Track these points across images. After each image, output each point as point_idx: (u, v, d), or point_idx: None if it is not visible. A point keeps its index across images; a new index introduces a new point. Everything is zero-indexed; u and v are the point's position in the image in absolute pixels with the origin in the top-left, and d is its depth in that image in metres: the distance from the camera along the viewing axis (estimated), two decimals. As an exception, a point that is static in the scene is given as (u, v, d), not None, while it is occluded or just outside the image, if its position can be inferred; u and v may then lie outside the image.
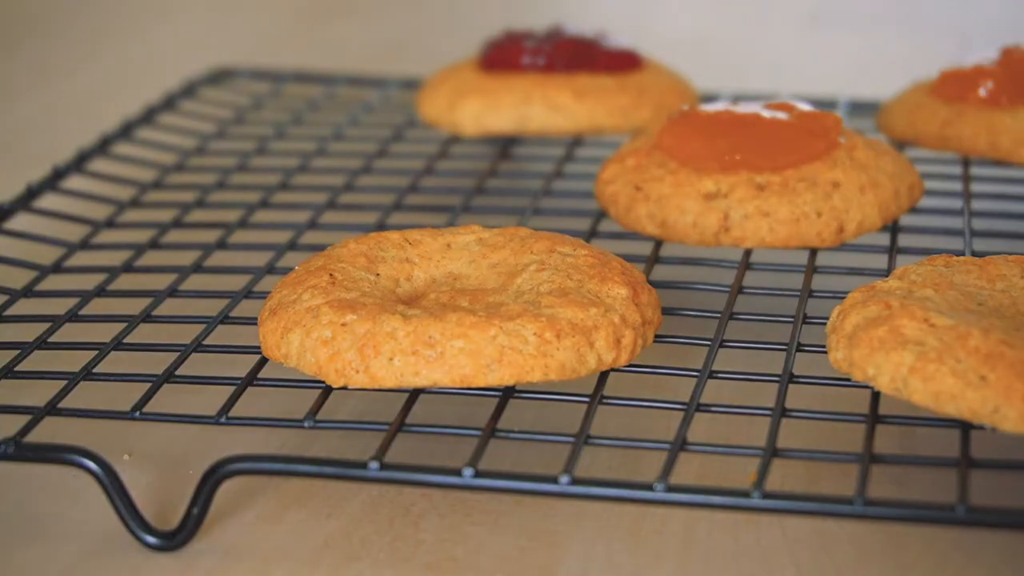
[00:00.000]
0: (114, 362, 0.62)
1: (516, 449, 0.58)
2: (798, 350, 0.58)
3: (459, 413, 0.61)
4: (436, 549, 0.53)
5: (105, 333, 0.63)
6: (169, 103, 0.92)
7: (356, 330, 0.54)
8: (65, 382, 0.58)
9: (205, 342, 0.60)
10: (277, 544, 0.54)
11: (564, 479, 0.50)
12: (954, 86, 0.78)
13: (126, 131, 0.86)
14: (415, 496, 0.56)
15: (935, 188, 0.75)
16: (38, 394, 0.58)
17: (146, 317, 0.63)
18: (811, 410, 0.55)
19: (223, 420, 0.54)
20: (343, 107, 0.94)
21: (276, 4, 1.40)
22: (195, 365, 0.60)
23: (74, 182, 0.81)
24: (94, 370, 0.59)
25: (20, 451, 0.53)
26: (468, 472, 0.50)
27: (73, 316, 0.64)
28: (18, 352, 0.60)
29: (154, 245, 0.72)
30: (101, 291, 0.66)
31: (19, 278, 0.68)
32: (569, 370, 0.54)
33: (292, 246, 0.71)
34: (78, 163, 0.80)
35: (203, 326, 0.62)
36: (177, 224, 0.74)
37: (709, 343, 0.58)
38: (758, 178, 0.67)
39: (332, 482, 0.56)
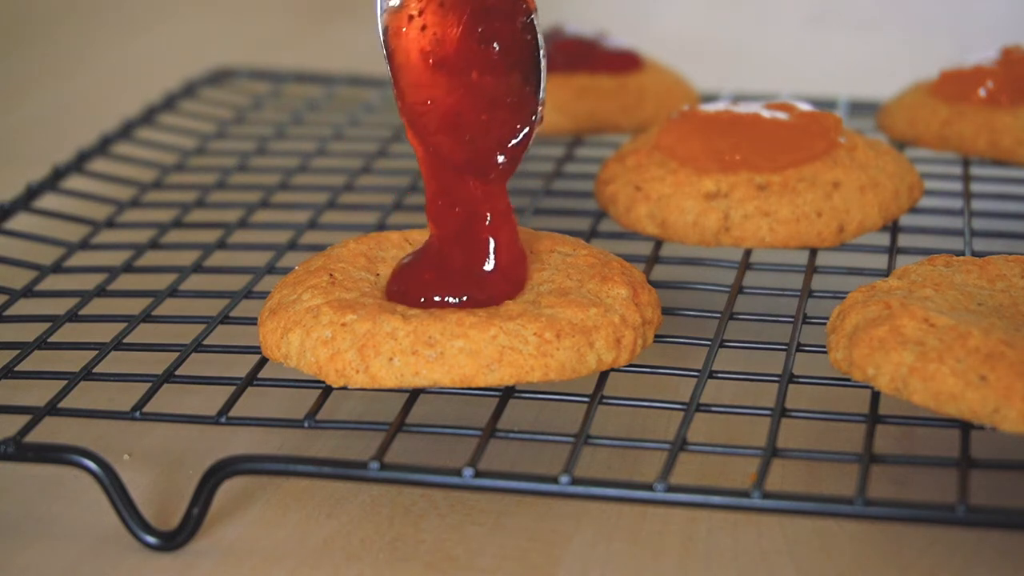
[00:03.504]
0: (114, 362, 0.62)
1: (516, 449, 0.58)
2: (798, 350, 0.58)
3: (459, 413, 0.61)
4: (436, 549, 0.53)
5: (105, 333, 0.63)
6: (169, 103, 0.92)
7: (356, 330, 0.54)
8: (65, 382, 0.58)
9: (205, 342, 0.60)
10: (277, 544, 0.54)
11: (564, 479, 0.50)
12: (954, 86, 0.78)
13: (126, 131, 0.86)
14: (415, 496, 0.56)
15: (935, 188, 0.75)
16: (38, 394, 0.58)
17: (146, 317, 0.63)
18: (811, 410, 0.55)
19: (223, 420, 0.54)
20: (343, 107, 0.94)
21: (276, 4, 1.40)
22: (195, 365, 0.60)
23: (74, 182, 0.81)
24: (94, 370, 0.59)
25: (20, 451, 0.53)
26: (468, 472, 0.50)
27: (73, 316, 0.64)
28: (18, 352, 0.60)
29: (154, 245, 0.72)
30: (101, 291, 0.66)
31: (19, 278, 0.68)
32: (569, 370, 0.54)
33: (292, 246, 0.71)
34: (78, 163, 0.80)
35: (203, 326, 0.62)
36: (177, 224, 0.74)
37: (709, 343, 0.58)
38: (758, 178, 0.67)
39: (332, 482, 0.56)
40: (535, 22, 0.56)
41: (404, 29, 0.56)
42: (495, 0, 0.56)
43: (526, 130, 0.57)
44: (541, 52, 0.57)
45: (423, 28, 0.56)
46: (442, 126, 0.57)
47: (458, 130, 0.57)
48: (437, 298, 0.56)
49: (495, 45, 0.56)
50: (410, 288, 0.56)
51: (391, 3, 0.56)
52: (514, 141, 0.57)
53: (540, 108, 0.57)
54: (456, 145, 0.57)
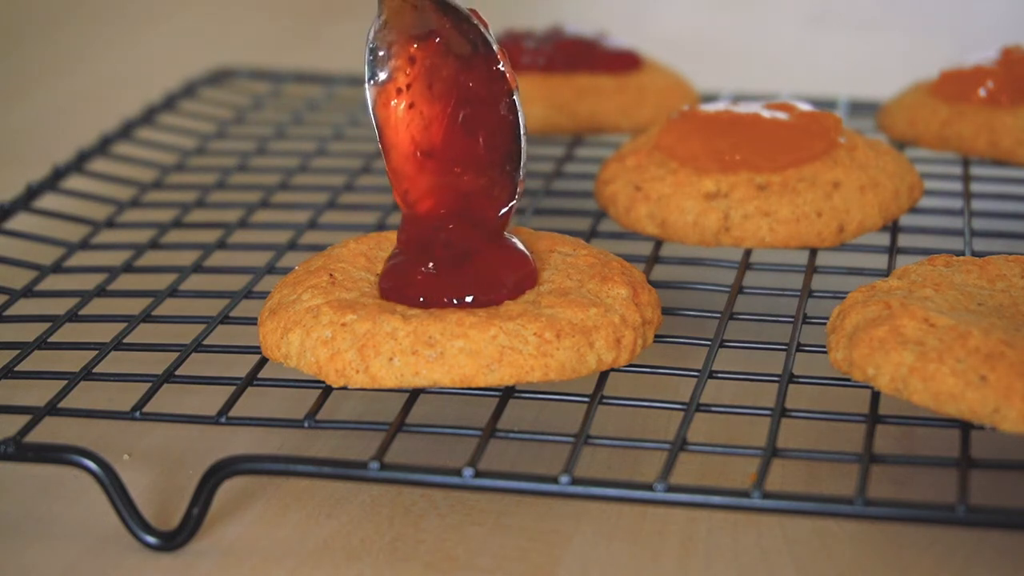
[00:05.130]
0: (114, 362, 0.62)
1: (516, 449, 0.58)
2: (798, 350, 0.58)
3: (459, 413, 0.61)
4: (436, 549, 0.53)
5: (105, 333, 0.63)
6: (169, 103, 0.92)
7: (356, 330, 0.54)
8: (65, 382, 0.58)
9: (205, 342, 0.60)
10: (277, 544, 0.54)
11: (564, 479, 0.50)
12: (954, 86, 0.78)
13: (126, 131, 0.86)
14: (415, 496, 0.56)
15: (935, 188, 0.75)
16: (38, 394, 0.58)
17: (146, 317, 0.63)
18: (811, 410, 0.55)
19: (223, 420, 0.54)
20: (343, 107, 0.94)
21: (276, 4, 1.40)
22: (195, 365, 0.60)
23: (74, 182, 0.81)
24: (94, 370, 0.59)
25: (20, 451, 0.53)
26: (468, 472, 0.50)
27: (73, 316, 0.64)
28: (18, 352, 0.60)
29: (154, 245, 0.72)
30: (101, 291, 0.66)
31: (19, 278, 0.68)
32: (569, 370, 0.54)
33: (292, 246, 0.71)
34: (78, 163, 0.80)
35: (203, 326, 0.62)
36: (177, 224, 0.74)
37: (709, 343, 0.58)
38: (758, 178, 0.67)
39: (332, 482, 0.56)
40: (516, 99, 0.57)
41: (393, 103, 0.58)
42: (478, 87, 0.58)
43: (506, 210, 0.58)
44: (522, 130, 0.58)
45: (411, 106, 0.57)
46: (427, 214, 0.58)
47: (442, 219, 0.58)
48: (423, 299, 0.56)
49: (480, 138, 0.57)
50: (407, 290, 0.57)
51: (380, 77, 0.57)
52: (496, 218, 0.58)
53: (520, 186, 0.58)
54: (438, 230, 0.58)
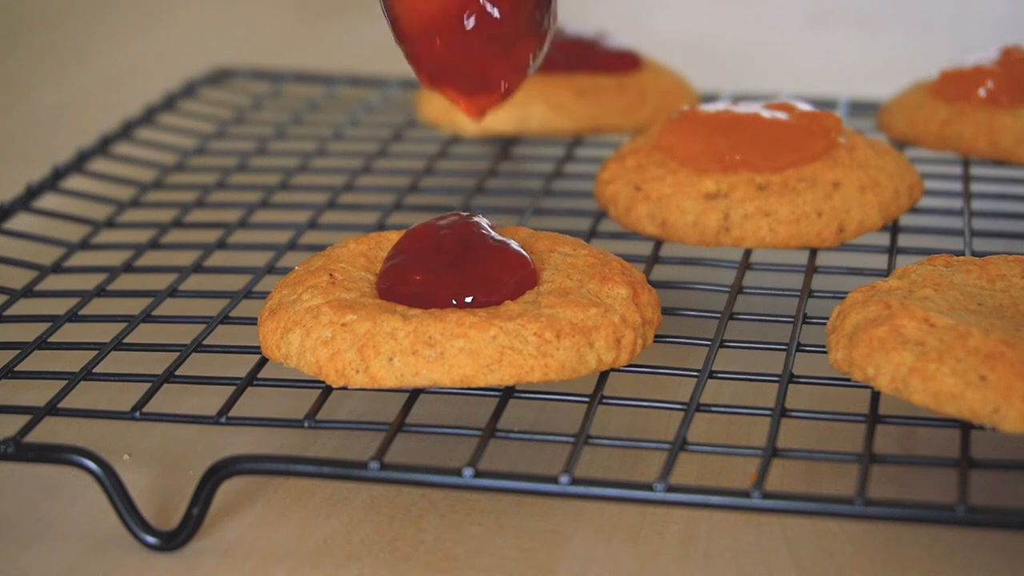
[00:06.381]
0: (114, 362, 0.62)
1: (516, 449, 0.58)
2: (798, 350, 0.58)
3: (459, 413, 0.61)
4: (436, 549, 0.53)
5: (105, 333, 0.63)
6: (169, 103, 0.92)
7: (356, 330, 0.54)
8: (65, 382, 0.58)
9: (205, 342, 0.60)
10: (277, 544, 0.54)
11: (564, 479, 0.50)
12: (954, 86, 0.78)
13: (126, 131, 0.86)
14: (415, 496, 0.56)
15: (935, 188, 0.75)
16: (38, 394, 0.58)
17: (146, 317, 0.63)
18: (811, 410, 0.55)
19: (223, 420, 0.55)
20: (343, 107, 0.94)
21: (276, 4, 1.40)
22: (195, 365, 0.60)
23: (74, 182, 0.81)
24: (94, 370, 0.59)
25: (20, 451, 0.53)
26: (468, 472, 0.50)
27: (73, 316, 0.64)
28: (18, 352, 0.60)
29: (154, 245, 0.72)
30: (101, 291, 0.66)
31: (19, 278, 0.68)
32: (569, 370, 0.54)
33: (292, 246, 0.71)
34: (78, 163, 0.80)
35: (203, 326, 0.62)
36: (177, 224, 0.74)
37: (709, 343, 0.58)
38: (758, 178, 0.67)
39: (332, 482, 0.56)
40: None
41: None
42: None
43: (535, 55, 0.57)
44: None
45: None
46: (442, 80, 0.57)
47: (449, 219, 0.58)
48: (423, 300, 0.56)
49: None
50: (406, 290, 0.56)
51: None
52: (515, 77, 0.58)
53: (554, 20, 0.56)
54: (442, 230, 0.58)
